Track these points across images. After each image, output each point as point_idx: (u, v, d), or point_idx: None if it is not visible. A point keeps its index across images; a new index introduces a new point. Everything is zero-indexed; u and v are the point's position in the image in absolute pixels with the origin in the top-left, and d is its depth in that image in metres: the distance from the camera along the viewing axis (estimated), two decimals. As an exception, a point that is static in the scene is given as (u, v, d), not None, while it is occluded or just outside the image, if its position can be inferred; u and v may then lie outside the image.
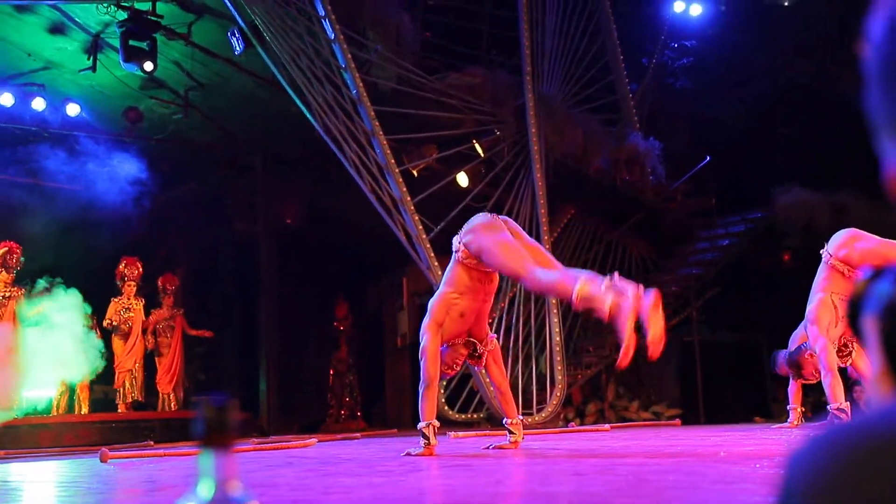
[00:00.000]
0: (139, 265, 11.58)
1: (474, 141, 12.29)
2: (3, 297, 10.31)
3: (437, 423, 5.32)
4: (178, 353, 11.82)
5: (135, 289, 11.51)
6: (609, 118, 14.69)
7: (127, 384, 11.17)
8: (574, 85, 13.75)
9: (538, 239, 11.87)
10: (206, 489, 1.10)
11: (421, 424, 5.25)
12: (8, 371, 9.99)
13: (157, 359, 11.75)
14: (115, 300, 11.39)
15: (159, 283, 11.97)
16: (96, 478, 4.87)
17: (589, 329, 13.85)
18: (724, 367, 14.17)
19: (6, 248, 10.42)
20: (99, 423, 10.20)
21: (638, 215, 14.34)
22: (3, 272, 10.37)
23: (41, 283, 10.53)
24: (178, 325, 12.07)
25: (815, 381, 7.18)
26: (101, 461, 6.09)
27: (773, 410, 12.93)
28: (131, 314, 11.42)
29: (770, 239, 14.55)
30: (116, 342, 11.28)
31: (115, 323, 11.32)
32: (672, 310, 13.97)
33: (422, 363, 5.28)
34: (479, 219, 5.36)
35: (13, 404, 10.04)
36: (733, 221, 14.88)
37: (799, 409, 7.80)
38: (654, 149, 14.41)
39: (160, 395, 11.56)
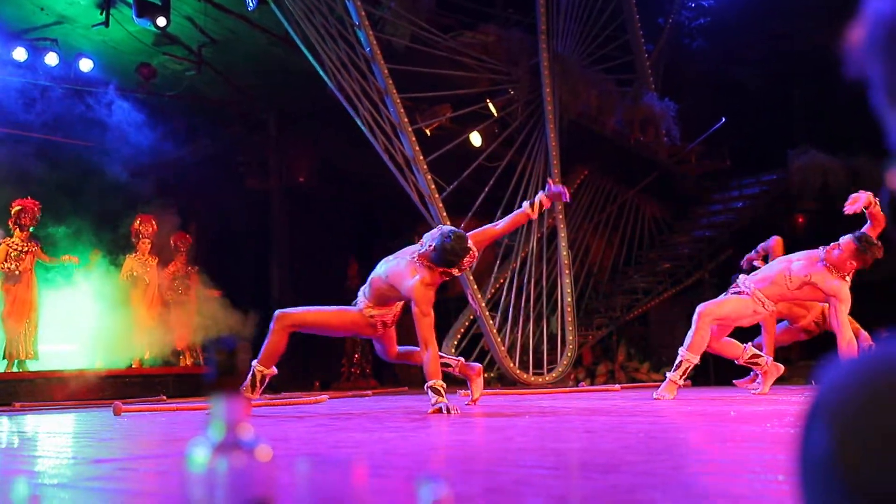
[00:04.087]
0: (153, 222, 11.58)
1: (488, 100, 12.22)
2: (21, 252, 10.30)
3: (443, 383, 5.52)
4: (193, 310, 11.82)
5: (149, 246, 11.52)
6: (624, 78, 14.58)
7: (141, 340, 11.18)
8: (589, 44, 13.63)
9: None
10: (216, 432, 1.09)
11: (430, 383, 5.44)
12: (25, 324, 10.09)
13: (171, 316, 11.76)
14: (131, 256, 11.40)
15: (171, 241, 11.98)
16: (109, 429, 4.91)
17: (600, 290, 13.86)
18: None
19: (20, 207, 10.37)
20: (112, 377, 10.24)
21: (652, 177, 14.25)
22: (17, 230, 10.34)
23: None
24: (193, 282, 12.10)
25: None
26: (115, 414, 6.14)
27: (785, 372, 12.89)
28: (146, 270, 11.46)
29: (785, 202, 14.46)
30: (132, 298, 11.29)
31: (135, 273, 11.35)
32: (685, 272, 13.94)
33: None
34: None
35: (30, 357, 10.13)
36: (748, 184, 14.79)
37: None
38: (670, 110, 14.31)
39: (175, 351, 11.58)
